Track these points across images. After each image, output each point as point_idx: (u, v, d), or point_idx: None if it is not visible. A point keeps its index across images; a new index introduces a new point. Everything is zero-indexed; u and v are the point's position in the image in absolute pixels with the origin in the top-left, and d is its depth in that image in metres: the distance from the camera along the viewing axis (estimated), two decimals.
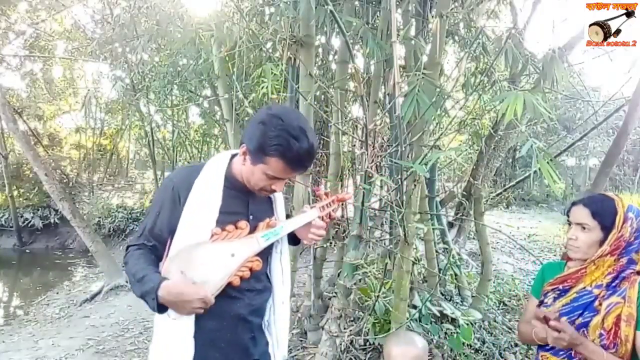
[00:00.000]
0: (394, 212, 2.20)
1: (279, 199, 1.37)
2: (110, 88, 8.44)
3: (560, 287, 1.29)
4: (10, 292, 6.57)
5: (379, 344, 2.60)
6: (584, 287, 1.24)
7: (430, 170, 3.08)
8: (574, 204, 1.29)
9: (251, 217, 1.24)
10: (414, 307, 2.71)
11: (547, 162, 1.34)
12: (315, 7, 2.15)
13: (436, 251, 3.38)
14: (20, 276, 7.14)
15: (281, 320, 1.36)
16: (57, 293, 5.70)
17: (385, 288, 2.62)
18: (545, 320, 1.19)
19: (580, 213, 1.25)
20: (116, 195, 9.98)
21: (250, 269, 1.17)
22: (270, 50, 3.33)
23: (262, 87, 2.53)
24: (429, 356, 2.66)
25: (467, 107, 3.51)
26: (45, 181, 5.13)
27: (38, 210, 8.84)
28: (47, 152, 9.67)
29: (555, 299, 1.29)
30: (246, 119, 4.87)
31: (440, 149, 2.89)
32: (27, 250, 8.55)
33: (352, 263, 2.53)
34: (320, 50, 3.97)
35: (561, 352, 1.28)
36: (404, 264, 2.17)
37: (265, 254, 1.29)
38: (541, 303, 1.34)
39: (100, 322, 4.01)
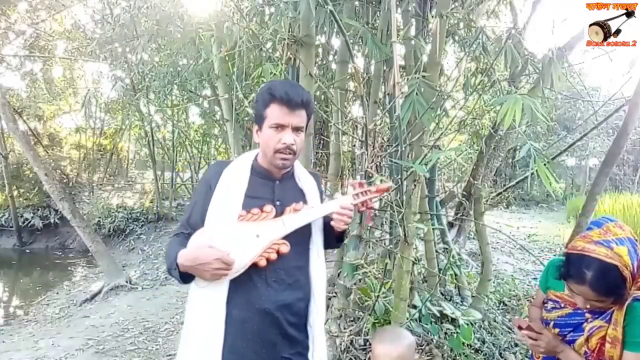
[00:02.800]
0: (394, 212, 2.20)
1: (310, 188, 1.36)
2: (110, 88, 8.46)
3: (561, 303, 1.30)
4: (10, 292, 6.55)
5: None
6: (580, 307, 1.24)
7: (430, 170, 3.08)
8: (570, 276, 1.14)
9: (278, 202, 1.27)
10: (414, 307, 2.71)
11: (544, 165, 1.34)
12: (315, 8, 2.15)
13: (436, 251, 3.38)
14: (20, 276, 7.13)
15: (318, 322, 1.30)
16: (57, 293, 5.69)
17: (385, 288, 2.62)
18: (519, 328, 1.25)
19: (588, 293, 1.12)
20: (116, 195, 9.97)
21: (277, 252, 1.20)
22: (270, 50, 3.33)
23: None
24: (428, 356, 2.67)
25: (467, 107, 3.51)
26: (45, 181, 5.12)
27: (38, 210, 8.82)
28: (47, 152, 9.66)
29: (553, 308, 1.31)
30: (246, 118, 4.88)
31: (440, 149, 2.89)
32: (27, 250, 8.54)
33: (352, 263, 2.53)
34: (320, 50, 3.98)
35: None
36: (404, 264, 2.17)
37: (301, 248, 1.30)
38: (543, 304, 1.37)
39: (100, 322, 4.00)
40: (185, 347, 1.21)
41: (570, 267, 1.14)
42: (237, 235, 1.18)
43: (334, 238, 1.38)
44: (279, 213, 1.25)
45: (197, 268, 1.13)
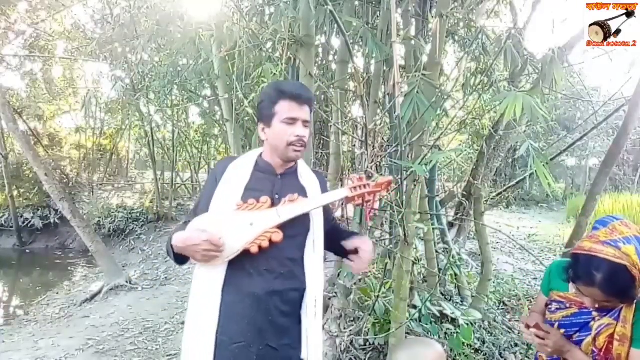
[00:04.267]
0: (394, 212, 2.20)
1: (312, 186, 1.38)
2: (110, 88, 8.47)
3: (566, 303, 1.28)
4: (10, 292, 6.56)
5: (378, 344, 2.60)
6: (586, 306, 1.22)
7: (430, 170, 3.08)
8: (579, 277, 1.12)
9: (276, 195, 1.32)
10: (414, 307, 2.71)
11: (543, 165, 1.34)
12: (315, 7, 2.14)
13: (436, 251, 3.38)
14: (20, 276, 7.14)
15: (314, 322, 1.30)
16: (57, 293, 5.70)
17: (385, 288, 2.62)
18: (527, 326, 1.24)
19: (597, 294, 1.10)
20: (116, 195, 9.96)
21: (270, 240, 1.24)
22: (270, 50, 3.33)
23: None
24: None
25: (467, 107, 3.51)
26: (45, 181, 5.12)
27: (38, 210, 8.82)
28: (47, 152, 9.66)
29: (558, 309, 1.29)
30: (246, 118, 4.87)
31: (440, 149, 2.89)
32: (27, 250, 8.54)
33: None
34: (320, 50, 3.97)
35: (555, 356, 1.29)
36: (404, 264, 2.17)
37: (298, 241, 1.32)
38: (546, 306, 1.35)
39: (100, 322, 4.00)
40: (188, 326, 1.28)
41: (579, 268, 1.12)
42: (231, 222, 1.25)
43: (338, 248, 1.40)
44: (277, 205, 1.29)
45: (188, 249, 1.20)
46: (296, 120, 1.29)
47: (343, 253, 1.41)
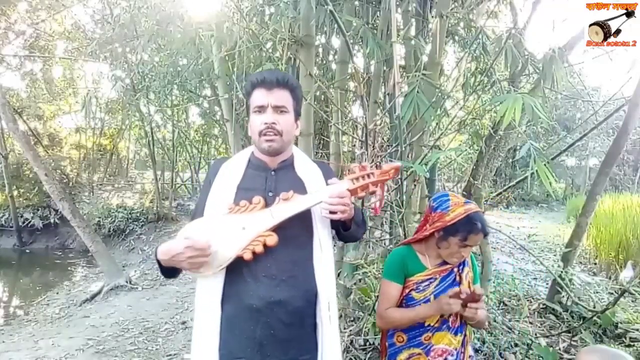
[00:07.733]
0: (394, 212, 2.20)
1: (312, 178, 1.27)
2: (110, 88, 8.47)
3: (432, 277, 1.49)
4: (10, 292, 6.56)
5: (378, 344, 2.60)
6: (444, 271, 1.51)
7: (430, 170, 3.08)
8: (470, 232, 1.38)
9: (270, 193, 1.21)
10: None
11: (544, 165, 1.35)
12: (315, 7, 2.15)
13: None
14: (20, 276, 7.14)
15: (328, 323, 1.19)
16: (57, 293, 5.70)
17: None
18: (474, 299, 1.34)
19: (479, 238, 1.41)
20: (116, 195, 9.97)
21: (264, 244, 1.13)
22: (270, 50, 3.33)
23: None
24: None
25: (467, 107, 3.51)
26: (45, 181, 5.12)
27: (38, 210, 8.83)
28: (47, 152, 9.66)
29: (427, 286, 1.48)
30: (246, 118, 4.88)
31: (440, 149, 2.89)
32: (27, 250, 8.54)
33: (352, 263, 2.52)
34: (320, 50, 3.98)
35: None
36: None
37: (299, 241, 1.21)
38: (411, 290, 1.48)
39: (100, 322, 4.00)
40: (193, 340, 1.20)
41: (462, 228, 1.37)
42: (222, 227, 1.14)
43: (340, 227, 1.28)
44: (270, 204, 1.18)
45: (173, 260, 1.10)
46: (264, 108, 1.19)
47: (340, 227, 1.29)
